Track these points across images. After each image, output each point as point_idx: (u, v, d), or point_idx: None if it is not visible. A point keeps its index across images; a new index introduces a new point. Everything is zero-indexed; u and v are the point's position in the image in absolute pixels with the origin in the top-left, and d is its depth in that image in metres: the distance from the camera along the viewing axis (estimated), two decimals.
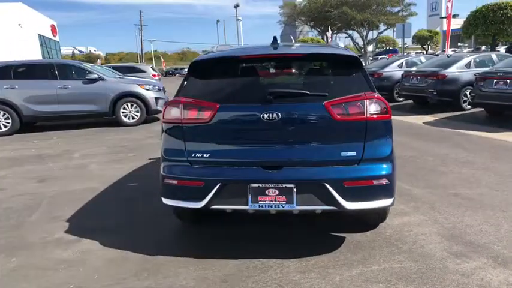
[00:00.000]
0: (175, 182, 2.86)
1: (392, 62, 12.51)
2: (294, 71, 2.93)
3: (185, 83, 3.04)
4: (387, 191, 2.72)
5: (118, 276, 2.76)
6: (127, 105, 9.77)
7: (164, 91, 10.67)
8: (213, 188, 2.73)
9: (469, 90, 9.49)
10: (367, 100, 2.69)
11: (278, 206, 2.70)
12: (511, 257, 2.77)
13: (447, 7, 15.71)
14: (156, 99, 10.11)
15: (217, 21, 59.49)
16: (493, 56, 10.55)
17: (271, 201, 2.70)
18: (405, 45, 54.51)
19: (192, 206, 2.84)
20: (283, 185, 2.68)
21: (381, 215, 3.22)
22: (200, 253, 3.01)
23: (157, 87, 10.36)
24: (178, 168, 2.88)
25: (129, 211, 4.00)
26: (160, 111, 10.32)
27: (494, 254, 2.82)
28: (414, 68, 11.69)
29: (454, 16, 50.61)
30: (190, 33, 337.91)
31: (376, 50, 50.71)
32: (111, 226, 3.64)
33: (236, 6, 45.63)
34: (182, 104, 2.85)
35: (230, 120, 2.78)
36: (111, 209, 4.09)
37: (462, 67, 9.92)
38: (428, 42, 45.48)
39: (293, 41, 33.74)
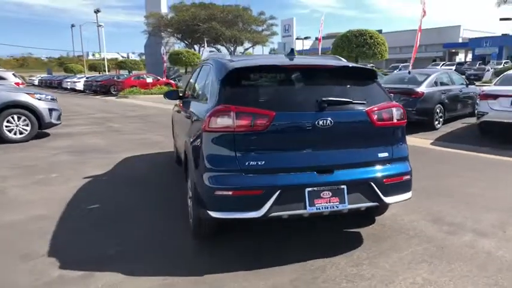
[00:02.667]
0: (229, 193, 2.74)
1: None
2: (328, 81, 3.16)
3: (222, 90, 2.94)
4: (409, 185, 3.20)
5: None
6: (13, 118, 8.17)
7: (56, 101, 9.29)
8: (273, 196, 2.74)
9: None
10: (394, 108, 3.13)
11: (333, 207, 2.87)
12: (485, 230, 3.56)
13: (320, 30, 18.25)
14: (50, 110, 8.73)
15: (72, 25, 53.74)
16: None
17: (327, 203, 2.86)
18: None
19: (250, 216, 2.77)
20: (336, 187, 2.88)
21: (384, 209, 3.69)
22: (245, 266, 2.92)
23: (49, 97, 8.96)
24: (231, 179, 2.77)
25: (122, 235, 3.51)
26: (54, 125, 8.97)
27: (472, 229, 3.58)
28: None
29: (306, 38, 57.44)
30: (31, 37, 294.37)
31: None
32: (115, 254, 3.16)
33: (97, 11, 42.25)
34: (234, 112, 2.77)
35: (286, 127, 2.84)
36: (96, 236, 3.51)
37: None
38: None
39: (163, 51, 32.39)
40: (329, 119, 2.85)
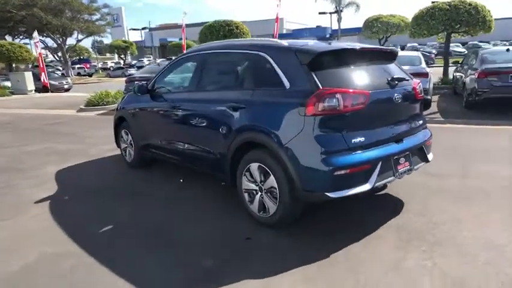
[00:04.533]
0: (347, 171, 2.86)
1: None
2: (384, 61, 3.51)
3: (312, 74, 2.97)
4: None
5: None
6: None
7: None
8: (376, 168, 3.02)
9: None
10: (421, 83, 3.76)
11: (408, 171, 3.34)
12: (458, 173, 4.63)
13: (183, 21, 18.13)
14: None
15: None
16: None
17: (403, 168, 3.30)
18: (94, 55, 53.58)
19: (362, 190, 2.96)
20: (407, 153, 3.34)
21: None
22: (347, 242, 3.07)
23: None
24: (344, 158, 2.89)
25: (185, 249, 3.12)
26: None
27: (452, 175, 4.60)
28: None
29: (143, 28, 54.69)
30: None
31: (68, 58, 47.76)
32: (213, 265, 2.84)
33: None
34: (341, 94, 2.87)
35: (377, 104, 3.11)
36: (158, 259, 3.00)
37: None
38: (123, 53, 47.27)
39: None
40: (400, 94, 3.27)
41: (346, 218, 3.55)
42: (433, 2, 14.65)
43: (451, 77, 12.93)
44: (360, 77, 3.18)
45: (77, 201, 4.32)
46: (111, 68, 44.02)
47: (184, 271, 2.77)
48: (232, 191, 3.76)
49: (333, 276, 2.62)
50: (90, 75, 42.71)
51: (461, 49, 37.48)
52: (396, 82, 3.28)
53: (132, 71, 39.07)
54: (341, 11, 31.89)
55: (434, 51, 35.93)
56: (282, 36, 51.05)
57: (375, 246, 2.98)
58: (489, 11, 12.48)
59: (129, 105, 5.31)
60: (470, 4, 12.39)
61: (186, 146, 4.19)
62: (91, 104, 13.17)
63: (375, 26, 26.85)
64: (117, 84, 22.21)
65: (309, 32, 47.09)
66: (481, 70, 8.41)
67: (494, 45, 31.32)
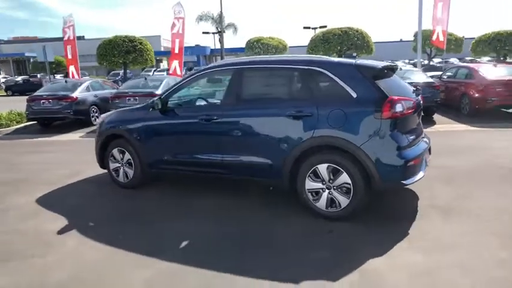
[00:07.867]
0: (412, 162, 3.60)
1: (79, 85, 11.97)
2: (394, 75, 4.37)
3: (375, 85, 3.60)
4: None
5: None
6: None
7: None
8: (423, 160, 3.85)
9: None
10: None
11: (428, 163, 4.20)
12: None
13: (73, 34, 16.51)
14: None
15: None
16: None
17: (428, 161, 4.16)
18: None
19: (420, 176, 3.75)
20: (427, 149, 4.22)
21: None
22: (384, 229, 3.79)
23: None
24: (410, 152, 3.65)
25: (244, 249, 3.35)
26: None
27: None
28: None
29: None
30: None
31: None
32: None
33: None
34: (403, 101, 3.58)
35: (415, 110, 3.91)
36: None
37: (84, 90, 11.77)
38: None
39: None
40: (419, 101, 4.19)
41: (386, 206, 4.21)
42: (304, 28, 16.88)
43: None
44: (401, 87, 3.99)
45: (107, 227, 3.94)
46: None
47: (308, 266, 3.02)
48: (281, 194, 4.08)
49: (425, 244, 3.27)
50: None
51: None
52: (418, 92, 4.19)
53: None
54: (223, 31, 33.60)
55: None
56: (159, 54, 50.04)
57: (431, 221, 3.72)
58: (370, 37, 15.29)
59: (126, 121, 4.99)
60: (357, 30, 14.99)
61: (227, 157, 4.25)
62: None
63: (257, 47, 29.08)
64: None
65: (190, 50, 47.67)
66: None
67: None
